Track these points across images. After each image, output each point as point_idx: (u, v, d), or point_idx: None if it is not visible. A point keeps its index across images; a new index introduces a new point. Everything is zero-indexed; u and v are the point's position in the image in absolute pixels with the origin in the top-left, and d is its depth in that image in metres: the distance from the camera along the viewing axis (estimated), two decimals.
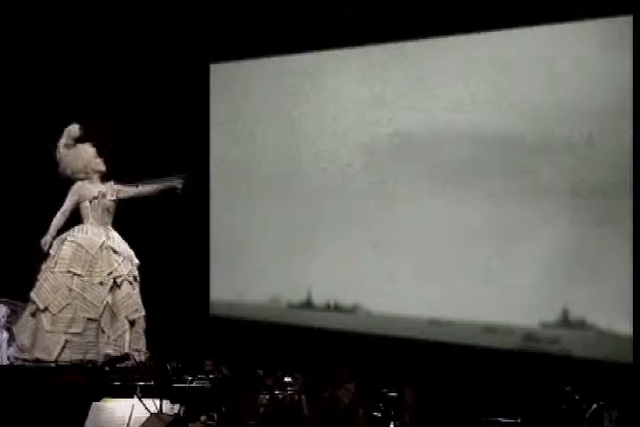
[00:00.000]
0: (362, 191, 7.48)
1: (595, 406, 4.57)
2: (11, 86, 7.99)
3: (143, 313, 6.37)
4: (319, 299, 7.67)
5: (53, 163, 6.69)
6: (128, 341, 6.16)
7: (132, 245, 6.70)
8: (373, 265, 7.33)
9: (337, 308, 7.56)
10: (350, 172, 7.55)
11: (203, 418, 4.60)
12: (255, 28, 7.79)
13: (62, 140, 6.65)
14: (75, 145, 6.65)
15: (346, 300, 7.52)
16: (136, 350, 6.19)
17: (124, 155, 7.23)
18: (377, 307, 7.32)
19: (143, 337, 6.32)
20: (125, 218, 6.95)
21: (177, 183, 6.75)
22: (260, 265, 8.05)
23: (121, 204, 6.81)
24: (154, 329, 6.52)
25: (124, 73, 8.12)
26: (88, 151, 6.65)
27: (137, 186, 6.81)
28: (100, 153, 6.81)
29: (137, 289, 6.46)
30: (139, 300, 6.41)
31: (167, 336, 6.69)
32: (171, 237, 7.94)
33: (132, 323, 6.25)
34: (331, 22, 7.42)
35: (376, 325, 7.27)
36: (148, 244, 7.22)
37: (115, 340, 6.12)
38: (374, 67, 7.40)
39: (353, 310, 7.45)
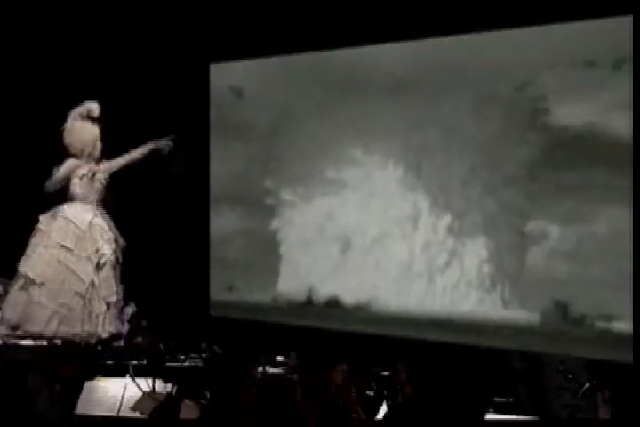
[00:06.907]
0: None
1: (588, 384, 4.54)
2: (13, 87, 8.06)
3: (120, 296, 6.41)
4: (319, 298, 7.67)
5: (48, 149, 6.71)
6: (102, 322, 6.22)
7: (132, 229, 6.71)
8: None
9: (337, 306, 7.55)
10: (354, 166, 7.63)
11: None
12: (255, 28, 7.84)
13: (76, 111, 6.68)
14: (84, 121, 6.66)
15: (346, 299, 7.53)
16: (109, 332, 6.24)
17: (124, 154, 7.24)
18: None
19: (116, 320, 6.38)
20: (129, 203, 6.99)
21: (163, 144, 6.79)
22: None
23: (119, 185, 6.82)
24: (149, 312, 6.54)
25: (124, 73, 8.18)
26: (91, 132, 6.69)
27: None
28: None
29: (117, 272, 6.47)
30: (115, 283, 6.43)
31: (164, 322, 6.70)
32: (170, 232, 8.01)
33: (107, 305, 6.30)
34: (330, 22, 7.46)
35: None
36: (152, 235, 7.27)
37: (92, 319, 6.17)
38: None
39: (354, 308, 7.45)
